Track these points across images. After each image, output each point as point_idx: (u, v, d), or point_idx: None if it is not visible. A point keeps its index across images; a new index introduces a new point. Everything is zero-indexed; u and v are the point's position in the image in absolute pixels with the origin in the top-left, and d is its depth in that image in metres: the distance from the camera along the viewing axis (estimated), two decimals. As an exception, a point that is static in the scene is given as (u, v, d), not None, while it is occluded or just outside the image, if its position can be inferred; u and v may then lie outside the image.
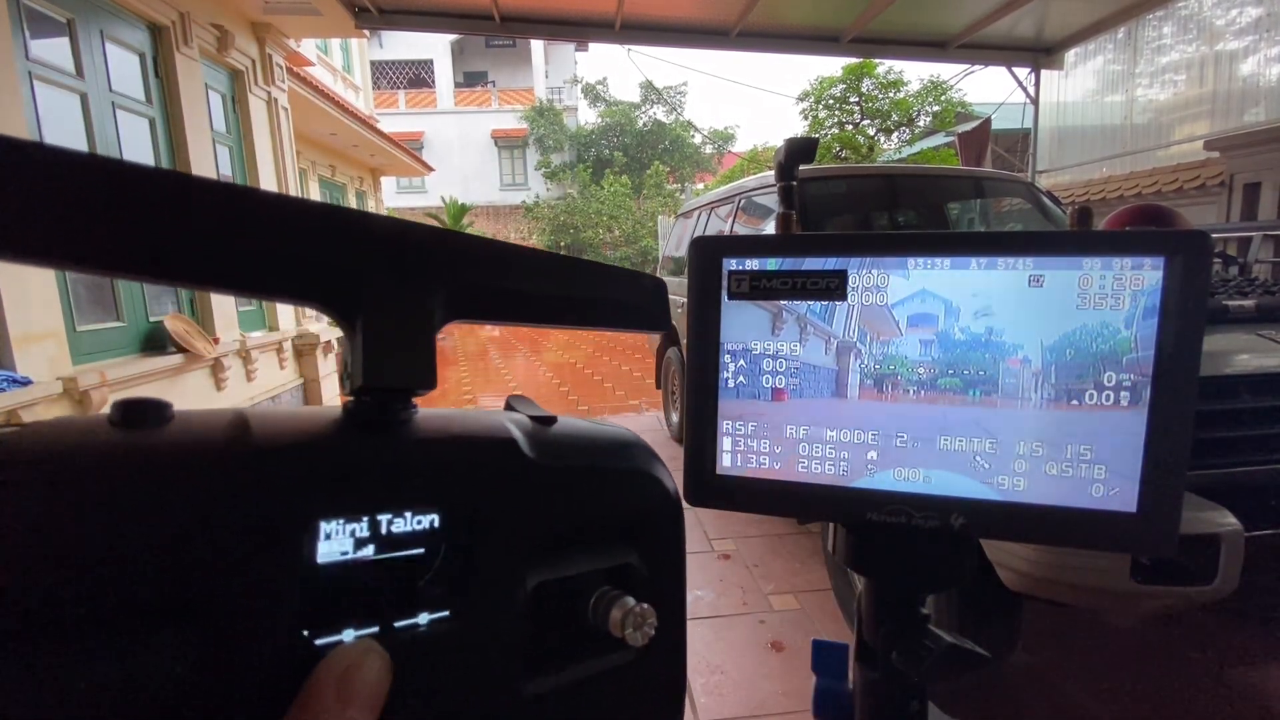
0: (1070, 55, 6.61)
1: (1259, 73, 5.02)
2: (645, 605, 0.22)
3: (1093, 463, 0.31)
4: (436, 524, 0.20)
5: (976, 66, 7.07)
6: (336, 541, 0.18)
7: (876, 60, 11.75)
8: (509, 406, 0.27)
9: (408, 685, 0.19)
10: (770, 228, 2.79)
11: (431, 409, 0.24)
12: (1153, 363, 0.30)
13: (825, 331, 0.35)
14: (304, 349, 5.37)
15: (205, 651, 0.16)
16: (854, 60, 11.81)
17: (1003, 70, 6.80)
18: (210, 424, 0.18)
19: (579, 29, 5.82)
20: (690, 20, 5.62)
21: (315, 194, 8.56)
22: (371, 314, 0.21)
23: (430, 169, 12.22)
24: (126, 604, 0.15)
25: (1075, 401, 0.31)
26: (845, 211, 3.16)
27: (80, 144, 3.27)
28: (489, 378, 7.57)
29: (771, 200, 3.27)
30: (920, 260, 0.33)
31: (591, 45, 17.91)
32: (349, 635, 0.18)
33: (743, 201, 3.57)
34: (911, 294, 0.34)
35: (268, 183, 5.08)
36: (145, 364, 3.48)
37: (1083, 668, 1.89)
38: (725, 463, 0.37)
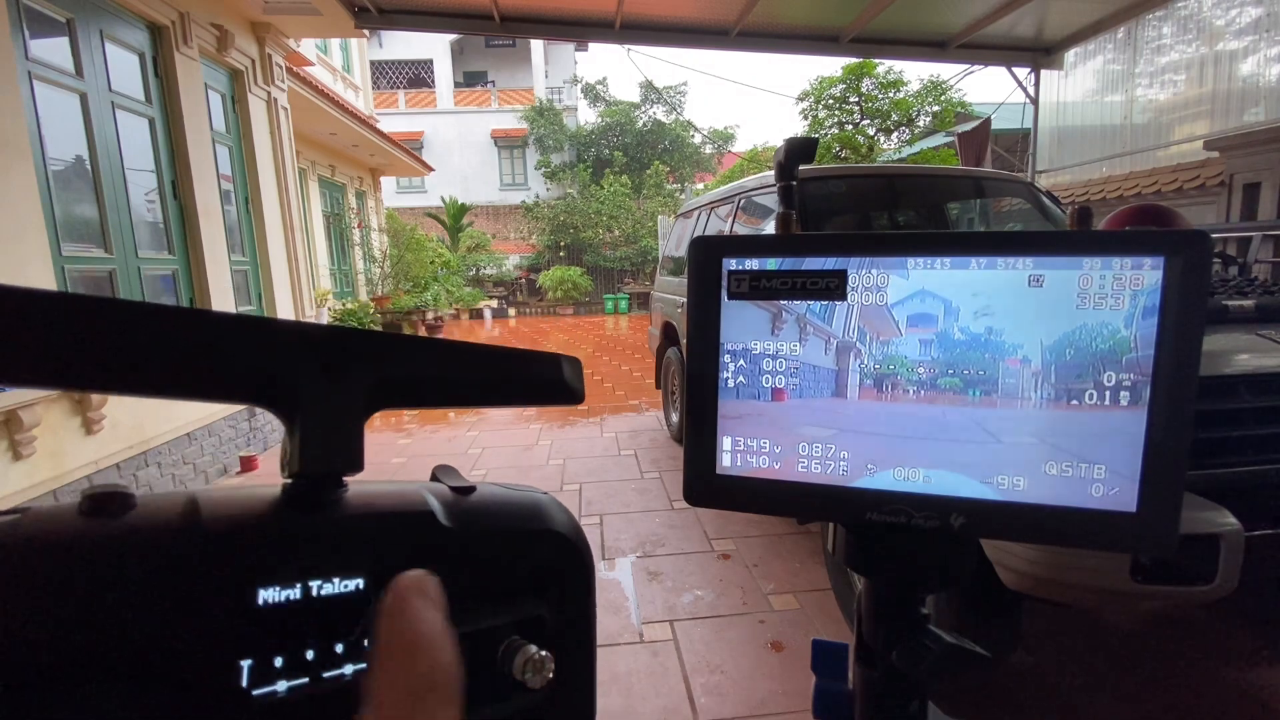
0: (1070, 55, 6.61)
1: (1259, 73, 5.01)
2: (544, 652, 0.25)
3: (1092, 462, 0.31)
4: (362, 587, 0.23)
5: (976, 66, 7.08)
6: (274, 603, 0.22)
7: (876, 60, 11.74)
8: (434, 477, 0.30)
9: None
10: (770, 227, 2.78)
11: (361, 484, 0.27)
12: (1152, 363, 0.30)
13: (825, 331, 0.35)
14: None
15: (167, 703, 0.19)
16: (854, 60, 11.80)
17: (1003, 70, 6.81)
18: (167, 509, 0.22)
19: (579, 29, 5.83)
20: (690, 20, 5.62)
21: (315, 194, 8.55)
22: (308, 411, 0.24)
23: (430, 169, 12.22)
24: (98, 667, 0.18)
25: (1075, 401, 0.31)
26: (845, 211, 3.15)
27: (80, 144, 3.27)
28: (489, 378, 7.55)
29: (771, 200, 3.27)
30: (920, 260, 0.33)
31: (591, 45, 17.91)
32: (283, 686, 0.22)
33: (743, 201, 3.57)
34: (911, 294, 0.34)
35: (267, 183, 5.07)
36: (145, 364, 3.48)
37: (1083, 668, 1.88)
38: (725, 463, 0.37)
